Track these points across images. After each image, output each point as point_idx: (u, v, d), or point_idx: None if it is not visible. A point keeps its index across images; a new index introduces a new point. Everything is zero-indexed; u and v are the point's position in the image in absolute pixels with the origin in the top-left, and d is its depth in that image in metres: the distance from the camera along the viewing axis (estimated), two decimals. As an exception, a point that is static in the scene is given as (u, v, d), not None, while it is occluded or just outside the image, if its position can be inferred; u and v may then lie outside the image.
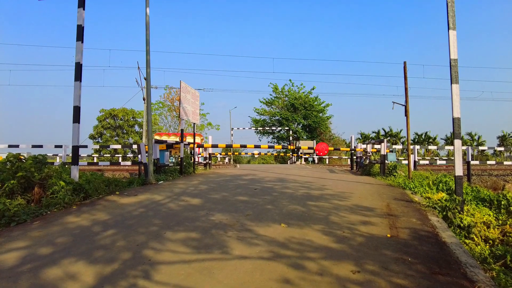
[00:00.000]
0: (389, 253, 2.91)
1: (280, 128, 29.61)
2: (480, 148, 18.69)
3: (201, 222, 3.90)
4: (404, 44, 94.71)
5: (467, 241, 3.96)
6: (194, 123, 11.46)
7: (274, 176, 9.42)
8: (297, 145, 22.29)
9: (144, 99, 21.94)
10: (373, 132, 46.30)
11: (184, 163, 10.15)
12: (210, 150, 14.21)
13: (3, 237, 3.41)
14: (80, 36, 5.93)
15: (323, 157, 23.41)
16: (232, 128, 26.68)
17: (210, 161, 13.93)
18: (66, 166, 6.20)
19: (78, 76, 5.86)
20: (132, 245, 3.07)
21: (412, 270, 2.54)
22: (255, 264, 2.62)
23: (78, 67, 5.89)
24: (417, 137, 45.49)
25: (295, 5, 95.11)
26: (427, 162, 18.62)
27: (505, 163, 16.18)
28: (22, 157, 5.36)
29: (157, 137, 18.94)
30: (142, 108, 25.00)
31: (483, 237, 4.20)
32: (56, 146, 12.70)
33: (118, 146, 13.24)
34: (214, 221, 3.95)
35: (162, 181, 7.98)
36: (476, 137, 45.91)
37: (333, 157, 25.94)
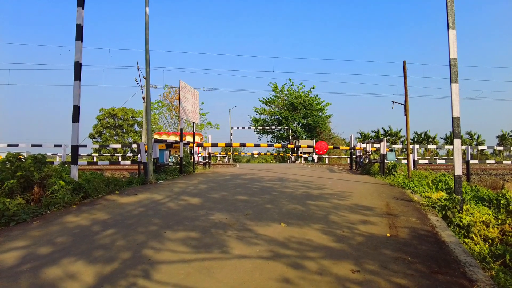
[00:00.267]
0: (388, 252, 2.91)
1: (279, 127, 29.62)
2: (480, 147, 18.76)
3: (200, 221, 3.90)
4: (404, 43, 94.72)
5: (466, 240, 3.97)
6: (193, 123, 11.45)
7: (273, 176, 9.42)
8: (296, 145, 22.30)
9: (143, 99, 21.92)
10: (372, 132, 46.30)
11: (184, 163, 10.15)
12: (210, 150, 14.22)
13: (2, 237, 3.40)
14: (79, 36, 5.92)
15: (323, 156, 23.42)
16: (232, 128, 26.63)
17: (209, 161, 13.93)
18: (66, 165, 6.20)
19: (77, 76, 5.85)
20: (131, 245, 3.07)
21: (411, 270, 2.54)
22: (255, 264, 2.63)
23: (78, 67, 5.88)
24: (416, 136, 45.48)
25: (295, 4, 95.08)
26: (426, 161, 18.64)
27: (504, 162, 16.21)
28: (21, 157, 5.35)
29: (156, 137, 18.92)
30: (142, 108, 24.98)
31: (482, 236, 4.21)
32: (56, 146, 12.66)
33: (118, 146, 13.21)
34: (213, 220, 3.95)
35: (161, 181, 7.99)
36: (475, 137, 45.91)
37: (333, 156, 25.96)
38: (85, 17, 6.02)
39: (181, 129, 10.63)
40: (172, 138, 18.23)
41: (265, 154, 31.74)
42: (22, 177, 4.97)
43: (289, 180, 8.30)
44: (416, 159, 13.38)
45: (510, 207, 5.63)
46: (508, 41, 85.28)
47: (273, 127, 30.40)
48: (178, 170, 9.94)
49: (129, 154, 27.90)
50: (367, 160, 11.82)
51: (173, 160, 10.97)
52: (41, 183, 5.12)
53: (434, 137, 45.56)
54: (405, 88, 9.16)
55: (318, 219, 4.00)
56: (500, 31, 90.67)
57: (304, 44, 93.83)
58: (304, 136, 29.66)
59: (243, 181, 7.84)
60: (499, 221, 4.98)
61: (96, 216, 4.18)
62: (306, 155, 23.19)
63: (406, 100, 9.07)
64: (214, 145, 13.93)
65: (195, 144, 11.71)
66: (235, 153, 25.14)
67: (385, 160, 10.00)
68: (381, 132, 45.91)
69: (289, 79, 32.29)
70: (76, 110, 5.79)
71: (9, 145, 11.72)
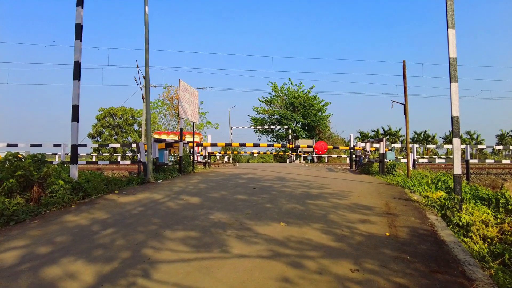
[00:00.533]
0: (388, 251, 2.91)
1: (279, 127, 29.61)
2: (479, 147, 18.78)
3: (200, 221, 3.90)
4: (403, 42, 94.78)
5: (465, 239, 3.97)
6: (193, 122, 11.44)
7: (273, 175, 9.43)
8: (296, 144, 22.30)
9: (143, 98, 21.89)
10: (372, 131, 46.35)
11: (183, 162, 10.15)
12: (209, 149, 14.21)
13: (2, 236, 3.40)
14: (78, 35, 5.91)
15: (322, 156, 23.43)
16: (232, 127, 26.63)
17: (209, 160, 13.93)
18: (65, 165, 6.19)
19: (77, 75, 5.85)
20: (131, 244, 3.07)
21: (410, 269, 2.55)
22: (255, 263, 2.63)
23: (77, 66, 5.87)
24: (416, 135, 45.52)
25: (295, 4, 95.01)
26: (426, 160, 18.64)
27: (503, 161, 16.21)
28: (21, 156, 5.35)
29: (156, 136, 18.90)
30: (141, 107, 24.98)
31: (481, 236, 4.22)
32: (55, 145, 12.61)
33: (117, 145, 13.17)
34: (213, 220, 3.95)
35: (161, 180, 7.99)
36: (475, 136, 45.97)
37: (332, 156, 25.95)
38: (84, 16, 6.01)
39: (181, 129, 10.63)
40: (171, 138, 18.21)
41: (264, 153, 31.71)
42: (21, 177, 4.96)
43: (288, 179, 8.31)
44: (415, 158, 13.39)
45: (509, 206, 5.64)
46: (507, 40, 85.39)
47: (272, 127, 30.39)
48: (177, 170, 9.94)
49: (129, 154, 27.86)
50: (366, 160, 11.82)
51: (172, 159, 10.98)
52: (40, 183, 5.12)
53: (434, 137, 45.61)
54: (405, 88, 9.16)
55: (317, 219, 4.01)
56: (500, 30, 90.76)
57: (303, 44, 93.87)
58: (304, 136, 29.65)
59: (243, 181, 7.84)
60: (498, 220, 4.98)
61: (96, 216, 4.17)
62: (306, 155, 23.20)
63: (405, 100, 9.08)
64: (213, 144, 13.94)
65: (194, 144, 11.71)
66: (235, 152, 25.13)
67: (385, 160, 10.01)
68: (381, 131, 45.95)
69: (289, 79, 32.23)
70: (75, 109, 5.78)
71: (8, 145, 11.68)
